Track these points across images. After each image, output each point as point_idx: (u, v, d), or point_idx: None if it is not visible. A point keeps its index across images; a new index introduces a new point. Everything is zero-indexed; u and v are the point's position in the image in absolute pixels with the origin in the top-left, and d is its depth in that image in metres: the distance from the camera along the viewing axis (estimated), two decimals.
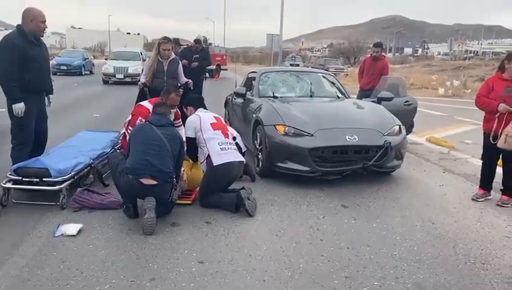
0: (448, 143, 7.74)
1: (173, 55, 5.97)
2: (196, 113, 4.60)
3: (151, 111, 4.36)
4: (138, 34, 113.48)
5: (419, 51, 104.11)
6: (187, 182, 4.36)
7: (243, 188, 4.18)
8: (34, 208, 3.98)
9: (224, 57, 29.69)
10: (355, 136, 4.86)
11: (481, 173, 4.81)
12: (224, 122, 4.68)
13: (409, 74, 30.70)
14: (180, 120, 5.08)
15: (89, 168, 4.56)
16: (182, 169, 4.23)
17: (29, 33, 4.36)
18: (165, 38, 5.92)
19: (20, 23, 4.42)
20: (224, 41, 52.38)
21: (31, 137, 4.57)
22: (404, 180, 5.38)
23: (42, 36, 4.52)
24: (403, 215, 4.18)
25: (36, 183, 3.99)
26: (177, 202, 4.09)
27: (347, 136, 4.85)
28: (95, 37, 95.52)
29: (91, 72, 24.82)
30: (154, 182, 3.66)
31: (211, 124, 4.42)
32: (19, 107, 4.32)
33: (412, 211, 4.30)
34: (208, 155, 4.23)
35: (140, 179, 3.65)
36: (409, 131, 7.29)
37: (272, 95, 6.03)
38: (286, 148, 4.86)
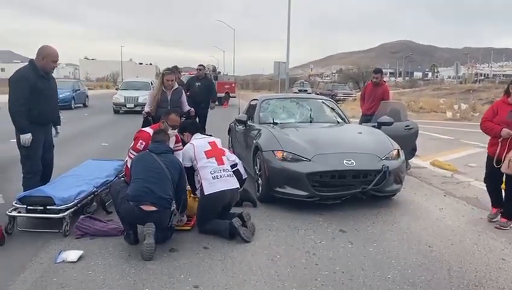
0: (452, 166, 7.74)
1: (176, 85, 6.18)
2: (191, 141, 4.68)
3: (151, 135, 4.51)
4: (150, 64, 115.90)
5: (429, 74, 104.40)
6: (188, 208, 4.45)
7: (241, 213, 4.28)
8: (38, 236, 4.10)
9: (233, 85, 30.14)
10: (352, 161, 4.94)
11: (489, 194, 4.85)
12: (220, 148, 4.67)
13: (418, 97, 30.80)
14: (181, 144, 5.20)
15: (92, 196, 4.69)
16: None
17: (40, 69, 4.60)
18: (168, 69, 6.16)
19: (33, 58, 4.68)
20: (233, 70, 53.36)
21: (38, 166, 4.74)
22: (404, 204, 5.41)
23: (52, 72, 4.75)
24: (400, 239, 4.20)
25: (40, 211, 4.12)
26: (177, 228, 4.18)
27: (344, 161, 4.92)
28: (108, 67, 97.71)
29: (84, 105, 22.62)
30: (154, 208, 3.77)
31: (205, 151, 4.46)
32: (26, 138, 4.51)
33: (409, 235, 4.33)
34: (201, 184, 4.33)
35: (141, 206, 3.76)
36: (411, 155, 7.36)
37: (272, 122, 6.16)
38: (284, 173, 4.95)
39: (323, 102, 7.00)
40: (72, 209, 4.22)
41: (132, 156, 4.45)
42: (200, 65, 9.73)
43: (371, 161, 5.05)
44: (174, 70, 9.20)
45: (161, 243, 3.87)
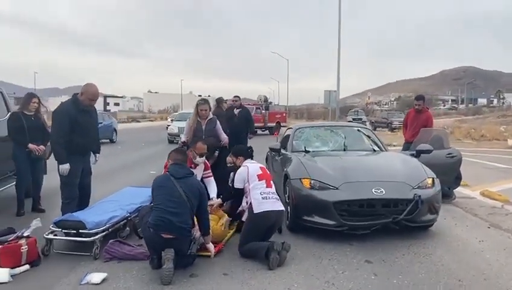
0: (503, 197, 7.27)
1: (211, 115, 6.35)
2: (244, 164, 4.86)
3: None
4: (208, 96, 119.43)
5: (495, 101, 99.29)
6: (212, 235, 4.52)
7: (283, 242, 4.29)
8: (71, 258, 4.32)
9: (284, 115, 30.39)
10: (382, 189, 4.81)
11: None
12: (268, 173, 4.92)
13: (480, 125, 29.38)
14: (210, 171, 5.32)
15: (125, 221, 4.89)
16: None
17: (81, 104, 4.97)
18: (202, 100, 6.38)
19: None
20: (287, 99, 53.72)
21: (75, 193, 5.06)
22: (441, 235, 5.14)
23: (91, 108, 5.12)
24: (429, 272, 4.00)
25: (73, 235, 4.37)
26: (200, 254, 4.25)
27: (373, 189, 4.81)
28: (169, 100, 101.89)
29: (111, 141, 19.86)
30: (173, 236, 3.89)
31: (257, 175, 4.68)
32: (65, 168, 4.85)
33: (440, 268, 4.11)
34: (250, 203, 4.50)
35: (162, 234, 3.90)
36: (456, 184, 7.05)
37: (304, 150, 6.16)
38: (311, 201, 4.90)
39: (358, 130, 6.91)
40: (103, 234, 4.42)
41: None
42: (236, 96, 10.00)
43: (401, 190, 4.89)
44: (219, 101, 9.55)
45: (182, 268, 3.95)
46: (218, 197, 5.15)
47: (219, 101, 9.54)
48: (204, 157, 5.08)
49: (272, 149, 6.66)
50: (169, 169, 4.38)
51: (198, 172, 5.16)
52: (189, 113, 24.97)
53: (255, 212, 4.44)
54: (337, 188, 4.87)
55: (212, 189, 5.22)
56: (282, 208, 4.63)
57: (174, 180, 4.13)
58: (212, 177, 5.31)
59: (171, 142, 19.98)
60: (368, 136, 6.68)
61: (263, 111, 27.20)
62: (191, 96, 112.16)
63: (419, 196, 4.79)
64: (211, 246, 4.32)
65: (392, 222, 4.79)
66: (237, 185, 4.71)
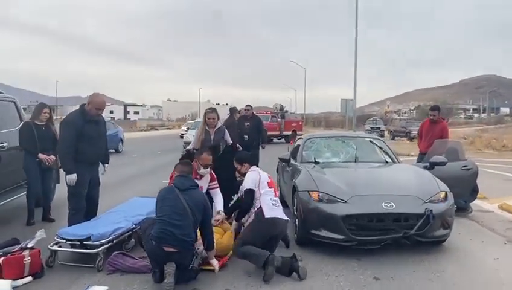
0: None
1: (219, 124, 6.30)
2: (254, 169, 4.84)
3: None
4: (226, 104, 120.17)
5: None
6: (216, 248, 4.44)
7: (294, 255, 4.23)
8: (75, 269, 4.29)
9: (300, 123, 30.26)
10: (392, 203, 4.67)
11: None
12: (274, 182, 4.95)
13: (502, 135, 28.68)
14: (216, 182, 5.24)
15: (130, 232, 4.86)
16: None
17: (88, 114, 4.98)
18: (210, 108, 6.34)
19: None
20: (304, 108, 53.58)
21: (82, 204, 5.06)
22: (454, 251, 4.96)
23: (98, 118, 5.11)
24: None
25: (77, 247, 4.35)
26: (203, 268, 4.18)
27: (383, 203, 4.67)
28: (188, 108, 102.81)
29: (116, 151, 18.17)
30: (175, 249, 3.83)
31: (267, 182, 4.70)
32: (72, 178, 4.86)
33: (450, 287, 3.95)
34: (260, 207, 4.46)
35: (163, 246, 3.83)
36: (472, 197, 6.84)
37: (314, 161, 6.05)
38: (319, 215, 4.79)
39: (371, 141, 6.76)
40: (107, 246, 4.39)
41: None
42: (248, 105, 9.93)
43: (412, 204, 4.74)
44: (233, 111, 9.50)
45: (184, 283, 3.89)
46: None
47: (232, 110, 9.50)
48: (209, 169, 5.02)
49: (281, 159, 6.57)
50: (174, 181, 4.34)
51: (204, 183, 5.10)
52: None
53: (266, 216, 4.40)
54: (345, 202, 4.75)
55: (219, 201, 5.13)
56: (286, 218, 4.62)
57: (179, 192, 4.07)
58: (219, 189, 5.23)
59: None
60: (380, 147, 6.52)
61: (279, 119, 27.15)
62: (208, 104, 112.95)
63: (431, 211, 4.63)
64: (214, 261, 4.23)
65: (402, 237, 4.64)
66: (249, 186, 4.60)
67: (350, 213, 4.66)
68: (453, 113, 69.70)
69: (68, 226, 4.85)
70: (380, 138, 7.27)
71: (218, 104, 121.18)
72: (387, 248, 4.73)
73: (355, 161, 6.17)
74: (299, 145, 7.00)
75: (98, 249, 4.29)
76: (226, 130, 6.40)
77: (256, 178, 4.66)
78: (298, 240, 5.14)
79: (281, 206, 4.66)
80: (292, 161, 6.41)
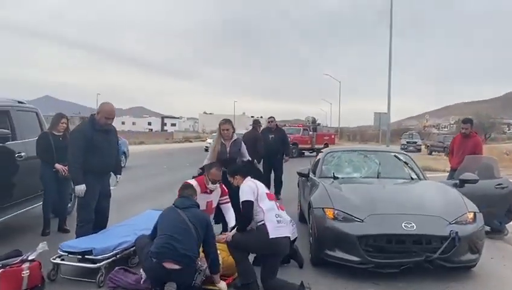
0: None
1: (235, 136, 6.08)
2: (249, 180, 4.41)
3: (197, 192, 4.50)
4: (261, 116, 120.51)
5: None
6: (223, 266, 4.22)
7: (301, 283, 3.97)
8: (76, 284, 4.16)
9: (333, 136, 29.77)
10: (413, 224, 4.30)
11: None
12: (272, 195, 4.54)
13: None
14: (227, 197, 5.03)
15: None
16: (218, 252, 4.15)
17: (97, 123, 4.90)
18: (224, 119, 6.14)
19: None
20: (338, 121, 52.88)
21: (91, 216, 4.95)
22: (484, 278, 4.52)
23: (108, 127, 4.99)
24: None
25: (79, 260, 4.22)
26: (207, 288, 3.96)
27: (403, 224, 4.31)
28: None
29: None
30: (176, 266, 3.65)
31: (266, 193, 4.31)
32: (80, 189, 4.77)
33: None
34: (264, 224, 4.06)
35: (163, 263, 3.66)
36: (508, 218, 6.33)
37: (333, 176, 5.74)
38: (334, 234, 4.48)
39: (395, 156, 6.36)
40: (109, 260, 4.24)
41: None
42: (271, 117, 9.73)
43: (435, 225, 4.36)
44: (256, 123, 9.31)
45: None
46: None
47: (255, 123, 9.32)
48: (217, 184, 4.81)
49: (300, 174, 6.29)
50: (174, 201, 4.22)
51: (214, 198, 4.91)
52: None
53: (270, 237, 3.99)
54: (362, 221, 4.42)
55: (231, 217, 4.91)
56: (290, 234, 4.27)
57: (180, 210, 3.98)
58: (230, 204, 5.00)
59: None
60: (406, 163, 6.12)
61: (310, 132, 26.76)
62: (243, 117, 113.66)
63: (456, 233, 4.24)
64: (222, 285, 4.02)
65: (425, 261, 4.25)
66: (246, 197, 4.13)
67: (367, 233, 4.33)
68: (497, 128, 66.76)
69: (76, 238, 4.76)
70: (405, 152, 6.85)
71: (253, 116, 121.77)
72: (407, 273, 4.34)
73: (378, 177, 5.81)
74: (319, 159, 6.71)
75: (100, 264, 4.15)
76: (242, 143, 6.17)
77: (253, 187, 4.23)
78: (312, 260, 4.84)
79: (287, 220, 4.26)
80: (311, 176, 6.12)
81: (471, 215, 4.57)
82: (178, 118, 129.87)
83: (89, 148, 4.82)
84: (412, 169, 6.02)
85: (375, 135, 64.30)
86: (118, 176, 5.40)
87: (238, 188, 4.40)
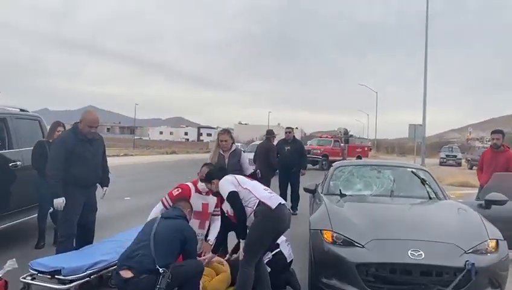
0: None
1: (234, 147, 5.66)
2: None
3: (191, 191, 4.45)
4: (296, 127, 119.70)
5: None
6: None
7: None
8: None
9: (366, 149, 28.78)
10: (421, 252, 3.71)
11: None
12: None
13: None
14: (219, 210, 4.58)
15: (116, 266, 4.33)
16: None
17: (80, 132, 4.62)
18: (223, 129, 5.77)
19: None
20: (375, 133, 51.76)
21: (73, 230, 4.66)
22: None
23: (90, 136, 4.69)
24: None
25: (50, 280, 3.90)
26: None
27: (410, 251, 3.73)
28: (258, 131, 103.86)
29: None
30: (130, 274, 3.40)
31: (245, 177, 4.10)
32: (59, 202, 4.49)
33: None
34: (259, 203, 3.72)
35: (120, 271, 3.46)
36: None
37: (339, 193, 5.19)
38: (332, 260, 3.94)
39: (413, 172, 5.71)
40: (80, 282, 3.89)
41: (165, 202, 4.40)
42: (288, 128, 9.23)
43: (448, 254, 3.75)
44: (270, 133, 8.89)
45: None
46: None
47: (269, 133, 8.90)
48: (204, 185, 4.41)
49: (306, 190, 5.78)
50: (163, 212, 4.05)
51: (211, 202, 4.55)
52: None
53: (273, 207, 3.69)
54: (363, 246, 3.87)
55: (212, 229, 4.55)
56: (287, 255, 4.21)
57: (160, 219, 3.79)
58: (219, 218, 4.56)
59: None
60: (424, 180, 5.46)
61: (342, 144, 25.97)
62: (278, 127, 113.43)
63: (473, 264, 3.61)
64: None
65: None
66: (229, 189, 3.78)
67: (367, 261, 3.77)
68: None
69: (56, 253, 4.47)
70: (425, 168, 6.18)
71: (292, 128, 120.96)
72: None
73: (391, 195, 5.21)
74: (328, 174, 6.18)
75: (69, 285, 3.82)
76: (243, 154, 5.74)
77: (230, 178, 3.91)
78: (310, 288, 4.32)
79: (282, 239, 4.04)
80: (318, 192, 5.60)
81: (492, 243, 3.92)
82: (214, 128, 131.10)
83: (72, 159, 4.54)
84: (431, 187, 5.37)
85: (414, 148, 62.24)
86: (105, 188, 5.09)
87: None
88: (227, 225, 4.28)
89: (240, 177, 4.02)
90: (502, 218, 4.75)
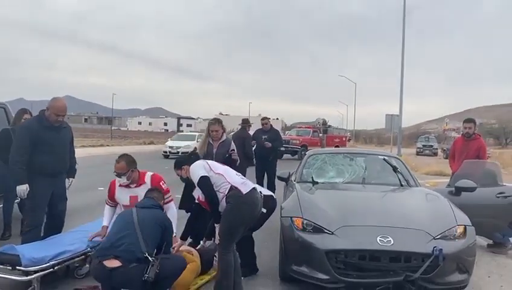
0: None
1: (224, 137, 5.56)
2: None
3: (116, 186, 4.38)
4: (277, 118, 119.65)
5: None
6: (177, 282, 3.71)
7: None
8: None
9: (344, 139, 29.01)
10: (390, 238, 3.71)
11: None
12: None
13: None
14: (170, 195, 4.45)
15: (83, 256, 4.23)
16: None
17: (46, 120, 4.45)
18: (213, 119, 5.68)
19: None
20: (354, 123, 52.21)
21: (40, 220, 4.51)
22: None
23: (57, 125, 4.51)
24: None
25: (9, 271, 3.75)
26: None
27: (378, 238, 3.73)
28: (239, 122, 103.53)
29: None
30: (117, 263, 3.25)
31: (216, 163, 4.02)
32: (22, 189, 4.31)
33: None
34: (231, 188, 3.67)
35: (104, 262, 3.28)
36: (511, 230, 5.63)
37: (311, 180, 5.16)
38: (301, 247, 3.91)
39: (384, 159, 5.72)
40: (41, 273, 3.75)
41: (106, 201, 4.49)
42: (264, 118, 9.18)
43: (416, 240, 3.76)
44: (245, 122, 8.80)
45: None
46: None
47: (244, 122, 8.82)
48: (125, 178, 4.26)
49: (279, 178, 5.73)
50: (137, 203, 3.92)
51: (140, 196, 4.31)
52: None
53: (244, 192, 3.65)
54: (332, 233, 3.85)
55: (172, 218, 4.14)
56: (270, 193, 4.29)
57: (136, 209, 3.67)
58: (172, 203, 4.42)
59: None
60: (396, 167, 5.47)
61: (321, 134, 26.07)
62: (259, 118, 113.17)
63: (440, 249, 3.62)
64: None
65: (404, 281, 3.65)
66: (200, 174, 3.68)
67: (336, 248, 3.75)
68: None
69: (21, 243, 4.30)
70: (396, 156, 6.20)
71: (269, 118, 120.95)
72: None
73: (362, 183, 5.22)
74: (301, 162, 6.15)
75: (31, 276, 3.68)
76: (232, 144, 5.62)
77: (201, 163, 3.84)
78: (280, 275, 4.30)
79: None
80: (291, 180, 5.56)
81: (460, 229, 3.95)
82: (194, 118, 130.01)
83: (37, 147, 4.37)
84: (402, 174, 5.39)
85: (391, 138, 62.93)
86: (71, 179, 4.91)
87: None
88: (197, 211, 4.20)
89: (211, 162, 3.96)
90: (471, 205, 4.80)
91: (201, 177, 3.71)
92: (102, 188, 4.83)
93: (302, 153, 23.10)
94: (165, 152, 23.00)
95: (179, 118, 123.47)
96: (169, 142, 23.91)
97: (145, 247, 3.36)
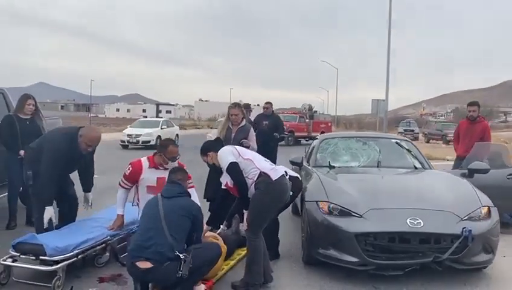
0: None
1: (244, 122, 5.44)
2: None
3: (143, 167, 4.22)
4: (258, 104, 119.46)
5: None
6: None
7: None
8: (32, 289, 3.60)
9: (329, 124, 29.16)
10: (419, 220, 3.74)
11: None
12: None
13: None
14: (191, 181, 4.39)
15: (103, 244, 4.13)
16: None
17: (77, 146, 4.32)
18: (233, 103, 5.57)
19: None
20: (335, 109, 52.48)
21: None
22: (498, 280, 4.01)
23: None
24: None
25: (33, 262, 3.63)
26: None
27: (408, 220, 3.75)
28: (219, 108, 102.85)
29: None
30: (149, 265, 3.19)
31: (244, 149, 4.02)
32: (50, 212, 4.24)
33: None
34: (260, 174, 3.64)
35: (136, 263, 3.22)
36: None
37: (328, 165, 5.16)
38: (329, 231, 3.91)
39: (397, 142, 5.76)
40: (67, 262, 3.64)
41: (122, 184, 4.31)
42: (267, 103, 9.07)
43: (446, 222, 3.79)
44: (245, 107, 8.70)
45: None
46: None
47: (245, 107, 8.71)
48: (176, 161, 4.22)
49: (292, 163, 5.70)
50: (162, 190, 3.69)
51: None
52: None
53: (274, 178, 3.61)
54: (361, 216, 3.85)
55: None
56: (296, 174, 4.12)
57: (162, 199, 3.49)
58: (194, 189, 4.33)
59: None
60: (409, 150, 5.52)
61: (307, 120, 26.15)
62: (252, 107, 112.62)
63: (470, 231, 3.67)
64: (200, 288, 3.51)
65: (433, 262, 3.69)
66: (229, 160, 3.67)
67: (366, 230, 3.76)
68: (494, 116, 66.41)
69: (36, 232, 4.16)
70: (408, 139, 6.25)
71: (250, 104, 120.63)
72: (412, 275, 3.80)
73: (378, 166, 5.23)
74: (314, 147, 6.12)
75: (56, 266, 3.57)
76: (252, 130, 5.51)
77: (229, 148, 3.82)
78: (304, 259, 4.29)
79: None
80: (305, 165, 5.54)
81: (485, 210, 4.01)
82: (173, 105, 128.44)
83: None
84: (415, 157, 5.43)
85: (371, 123, 63.68)
86: (90, 194, 4.80)
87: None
88: (224, 197, 4.13)
89: (239, 147, 3.92)
90: (484, 186, 4.86)
91: (231, 163, 3.66)
92: (97, 176, 4.72)
93: (289, 138, 23.15)
94: (123, 141, 19.11)
95: (157, 105, 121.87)
96: (128, 130, 19.97)
97: (174, 244, 3.27)
